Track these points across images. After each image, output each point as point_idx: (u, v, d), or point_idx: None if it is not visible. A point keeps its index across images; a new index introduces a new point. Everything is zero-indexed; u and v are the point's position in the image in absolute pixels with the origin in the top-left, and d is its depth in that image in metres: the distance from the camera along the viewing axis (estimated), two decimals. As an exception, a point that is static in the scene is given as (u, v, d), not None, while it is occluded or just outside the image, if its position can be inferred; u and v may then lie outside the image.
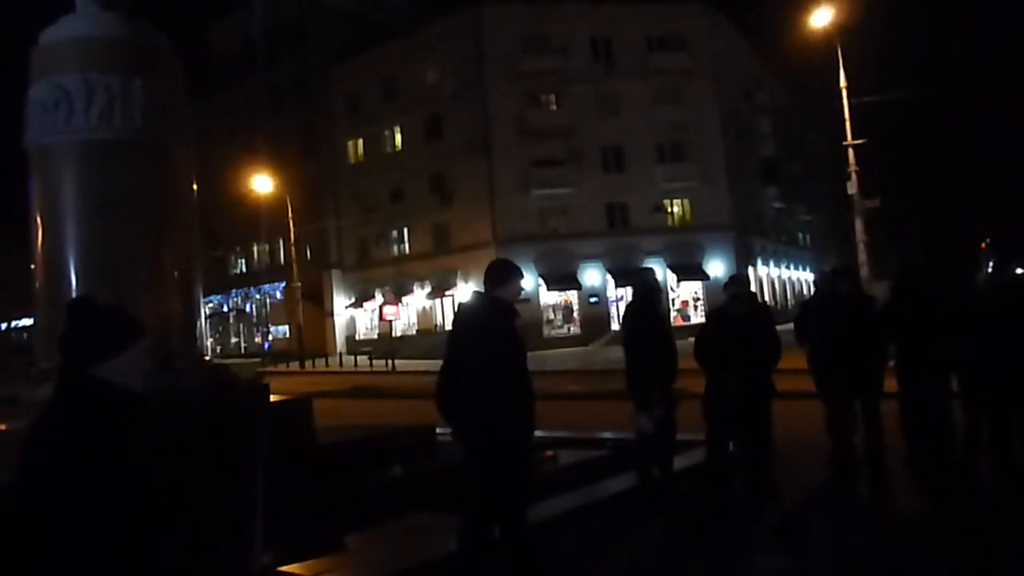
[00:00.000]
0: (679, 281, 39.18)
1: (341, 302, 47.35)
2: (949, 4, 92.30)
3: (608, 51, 40.31)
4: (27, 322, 50.80)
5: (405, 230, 44.05)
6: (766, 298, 42.94)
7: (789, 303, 47.53)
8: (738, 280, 6.91)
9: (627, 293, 37.98)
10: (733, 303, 6.36)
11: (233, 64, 51.85)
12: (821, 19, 22.03)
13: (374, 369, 32.37)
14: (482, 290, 4.52)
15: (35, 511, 2.16)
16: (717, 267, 39.18)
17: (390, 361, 32.90)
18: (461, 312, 4.56)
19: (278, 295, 49.61)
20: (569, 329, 39.65)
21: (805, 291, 50.02)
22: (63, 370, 2.33)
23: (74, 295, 6.07)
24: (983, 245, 59.50)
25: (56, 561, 2.14)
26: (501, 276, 4.46)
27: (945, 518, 5.93)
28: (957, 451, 6.81)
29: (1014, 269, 22.03)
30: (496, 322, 4.35)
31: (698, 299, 40.25)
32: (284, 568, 4.54)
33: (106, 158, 6.28)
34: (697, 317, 38.40)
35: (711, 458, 6.41)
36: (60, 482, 2.15)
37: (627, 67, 39.86)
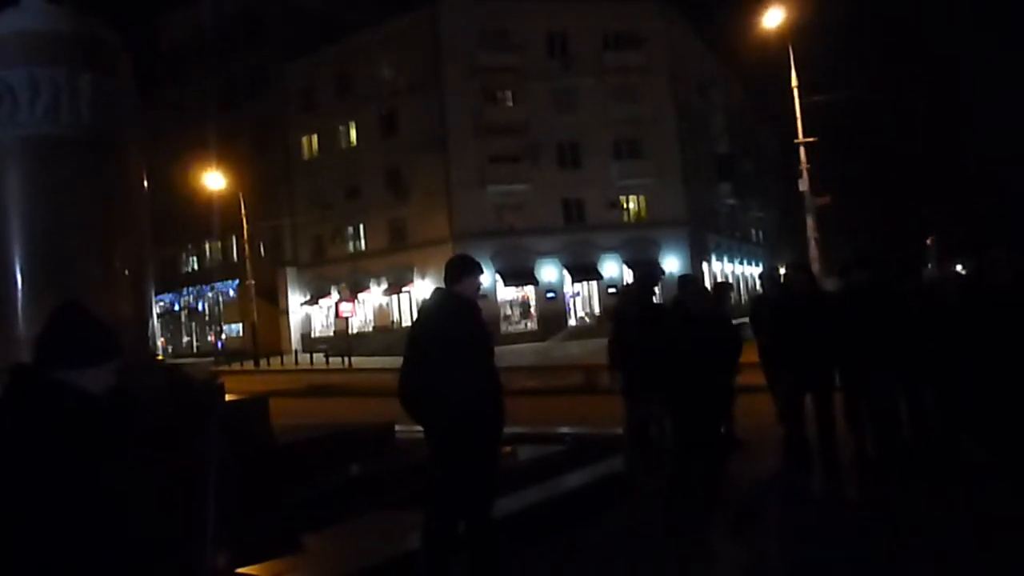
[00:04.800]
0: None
1: (296, 299, 46.80)
2: (899, 8, 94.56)
3: (565, 48, 40.45)
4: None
5: (361, 226, 43.69)
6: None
7: (743, 299, 48.25)
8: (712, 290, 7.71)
9: (584, 287, 38.38)
10: (696, 300, 6.47)
11: (185, 59, 50.83)
12: (773, 19, 22.41)
13: (330, 367, 32.12)
14: (442, 286, 4.50)
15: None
16: (672, 263, 39.64)
17: (347, 359, 32.67)
18: (424, 308, 4.53)
19: (231, 293, 48.89)
20: (526, 325, 39.81)
21: (758, 287, 50.83)
22: (30, 369, 2.32)
23: (19, 294, 5.92)
24: (929, 241, 61.11)
25: (18, 560, 2.11)
26: (461, 272, 4.45)
27: (898, 507, 6.07)
28: (906, 442, 6.98)
29: (955, 266, 22.68)
30: (461, 318, 4.33)
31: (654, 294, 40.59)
32: (242, 570, 4.47)
33: (52, 154, 6.09)
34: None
35: (679, 448, 6.52)
36: (19, 482, 2.12)
37: (584, 64, 40.06)
